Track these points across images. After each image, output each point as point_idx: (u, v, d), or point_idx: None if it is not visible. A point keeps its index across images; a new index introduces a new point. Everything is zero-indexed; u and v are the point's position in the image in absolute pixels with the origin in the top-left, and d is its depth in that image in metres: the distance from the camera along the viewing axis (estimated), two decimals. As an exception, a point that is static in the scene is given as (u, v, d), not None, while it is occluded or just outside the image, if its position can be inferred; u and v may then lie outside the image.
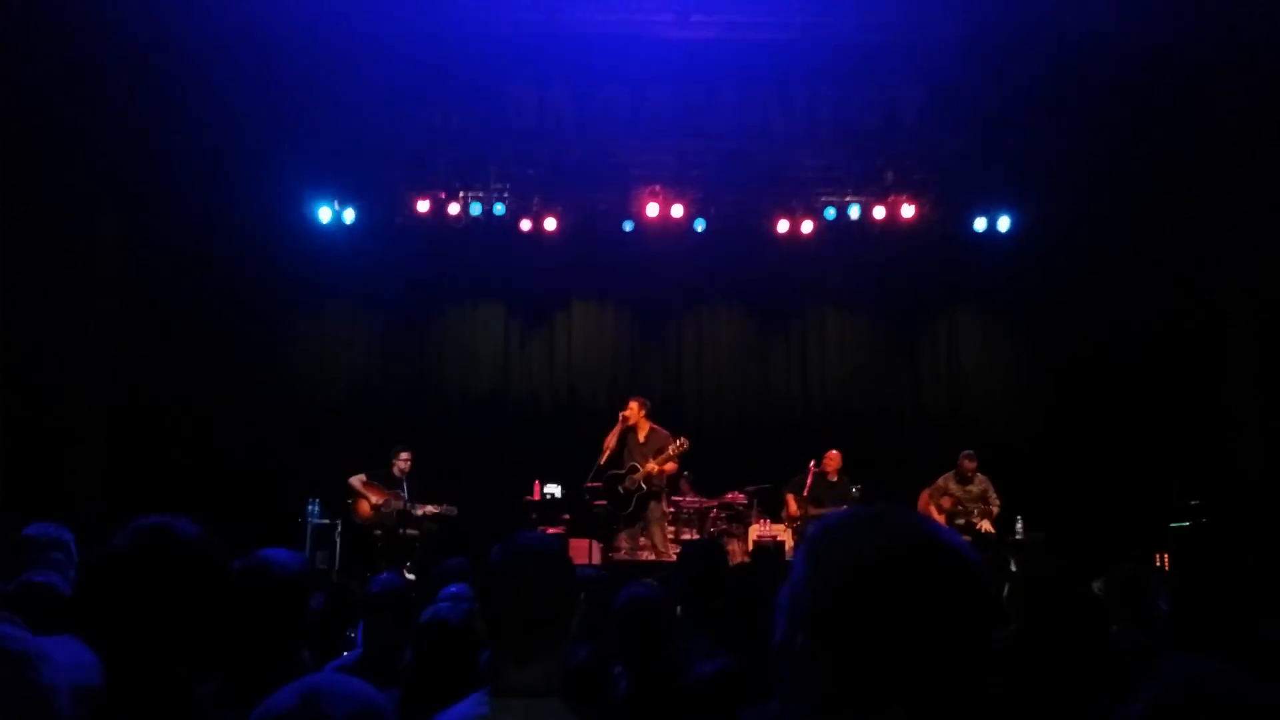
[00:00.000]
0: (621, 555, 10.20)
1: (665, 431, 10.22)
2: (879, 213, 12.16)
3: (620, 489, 10.18)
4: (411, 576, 9.16)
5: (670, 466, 10.15)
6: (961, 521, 10.67)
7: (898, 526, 1.18)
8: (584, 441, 10.94)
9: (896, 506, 1.21)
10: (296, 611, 2.55)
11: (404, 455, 10.70)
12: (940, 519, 10.11)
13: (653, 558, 10.07)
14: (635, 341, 13.13)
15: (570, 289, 12.98)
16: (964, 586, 1.14)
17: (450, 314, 12.96)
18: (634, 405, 10.18)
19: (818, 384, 13.08)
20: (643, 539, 10.36)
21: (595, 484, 10.32)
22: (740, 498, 11.47)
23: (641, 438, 10.19)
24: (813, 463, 11.14)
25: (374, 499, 10.45)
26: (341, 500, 10.64)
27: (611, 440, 10.16)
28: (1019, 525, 10.77)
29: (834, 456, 11.13)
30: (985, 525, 10.57)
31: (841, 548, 1.17)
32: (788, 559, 9.92)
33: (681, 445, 10.27)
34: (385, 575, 4.18)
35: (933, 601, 1.12)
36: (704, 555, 4.17)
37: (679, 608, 3.92)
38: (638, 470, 10.14)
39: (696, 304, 13.09)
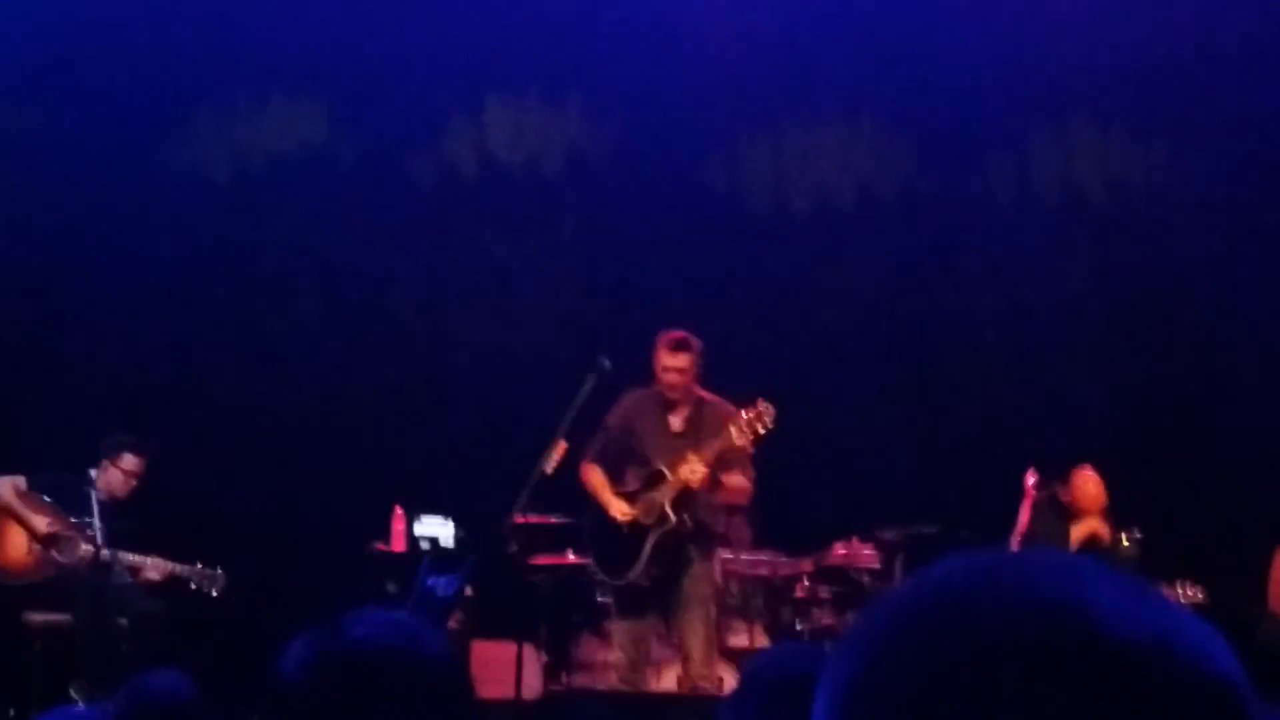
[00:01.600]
0: (591, 679, 10.41)
1: (729, 407, 9.78)
2: None
3: (621, 528, 9.79)
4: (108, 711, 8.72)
5: (738, 482, 9.79)
6: None
7: (1023, 607, 1.12)
8: (505, 424, 11.51)
9: (1040, 556, 1.19)
10: None
11: (127, 461, 10.52)
12: None
13: (675, 688, 10.08)
14: (622, 201, 13.02)
15: (488, 74, 12.93)
16: None
17: (209, 122, 12.79)
18: (664, 356, 9.77)
19: (1035, 314, 13.05)
20: (657, 641, 10.20)
21: (531, 518, 10.03)
22: (866, 555, 11.18)
23: (678, 422, 9.88)
24: (1031, 477, 10.95)
25: (37, 528, 10.28)
26: None
27: (618, 416, 10.02)
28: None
29: (1089, 480, 11.07)
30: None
31: (894, 660, 1.15)
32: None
33: (763, 416, 9.61)
34: (55, 715, 4.61)
35: None
36: (792, 682, 3.48)
37: None
38: (665, 479, 9.64)
39: (780, 119, 12.99)
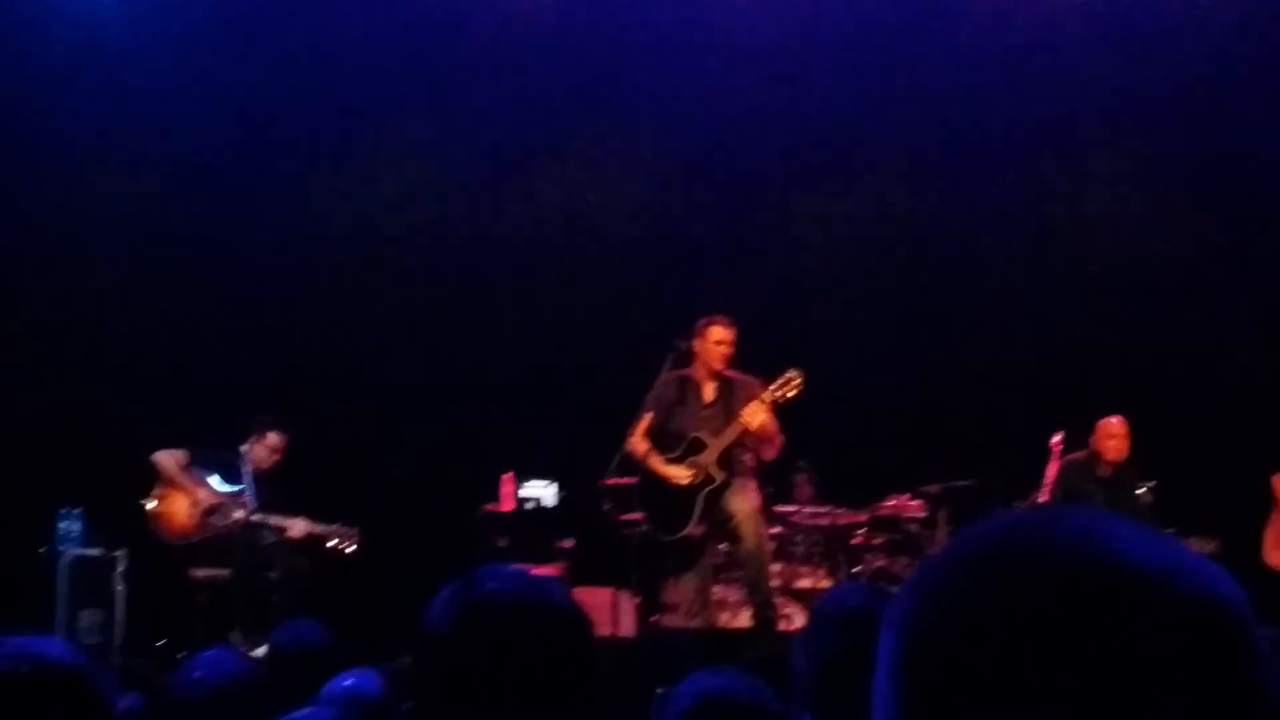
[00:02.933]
0: (678, 619, 10.01)
1: (752, 379, 9.78)
2: None
3: (671, 490, 9.71)
4: (260, 653, 8.55)
5: (770, 428, 9.63)
6: None
7: (1053, 548, 1.13)
8: (599, 402, 10.87)
9: (1066, 511, 1.18)
10: None
11: (272, 438, 10.46)
12: None
13: (742, 623, 10.02)
14: (700, 201, 12.81)
15: (577, 107, 12.74)
16: (1198, 664, 1.08)
17: (332, 147, 12.68)
18: (718, 332, 9.76)
19: (1076, 278, 12.73)
20: (719, 588, 10.18)
21: (624, 480, 10.04)
22: (914, 507, 11.17)
23: (709, 394, 9.82)
24: (1057, 436, 10.69)
25: (199, 496, 10.25)
26: (123, 518, 10.39)
27: (657, 399, 9.91)
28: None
29: (1116, 433, 10.70)
30: None
31: (948, 598, 1.15)
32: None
33: (791, 383, 9.63)
34: (219, 654, 4.38)
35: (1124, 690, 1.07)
36: (855, 616, 3.64)
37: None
38: (705, 446, 9.62)
39: (826, 129, 12.66)
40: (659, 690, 4.21)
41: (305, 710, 3.45)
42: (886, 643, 1.18)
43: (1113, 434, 10.70)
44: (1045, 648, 1.08)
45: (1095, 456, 10.68)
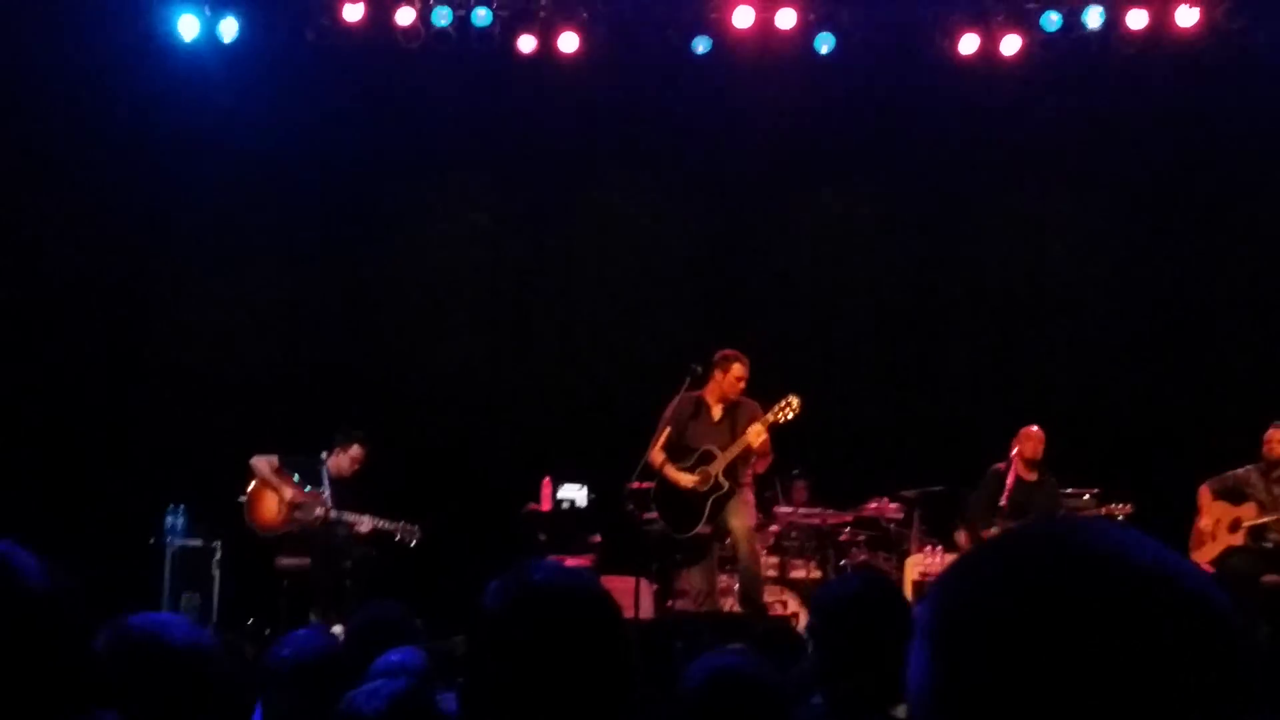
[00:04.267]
0: (689, 604, 9.78)
1: (754, 402, 9.70)
2: (1137, 20, 11.32)
3: (684, 495, 9.60)
4: (338, 630, 8.59)
5: (763, 450, 9.64)
6: (1270, 544, 9.99)
7: (1067, 554, 1.13)
8: (624, 418, 10.75)
9: (1070, 522, 1.19)
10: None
11: (355, 451, 10.48)
12: (1233, 539, 9.97)
13: (742, 610, 9.81)
14: (709, 244, 12.70)
15: (602, 157, 12.58)
16: (1196, 653, 1.08)
17: (403, 200, 12.60)
18: (739, 369, 9.68)
19: (1028, 311, 12.55)
20: (725, 576, 10.07)
21: (645, 484, 9.81)
22: (892, 509, 11.04)
23: (718, 414, 9.73)
24: (1016, 449, 10.53)
25: (286, 495, 10.32)
26: (220, 513, 10.46)
27: (673, 417, 9.71)
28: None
29: (1034, 436, 10.55)
30: None
31: (972, 607, 1.14)
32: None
33: (790, 406, 9.57)
34: (304, 633, 4.39)
35: (1137, 682, 1.07)
36: (861, 601, 3.75)
37: (819, 693, 3.68)
38: (714, 458, 9.52)
39: (817, 181, 12.58)
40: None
41: (379, 682, 3.44)
42: (923, 629, 1.17)
43: (1030, 437, 10.46)
44: (1071, 635, 1.07)
45: (1020, 460, 10.37)
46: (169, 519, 10.28)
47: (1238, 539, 9.91)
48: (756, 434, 9.45)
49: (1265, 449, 9.99)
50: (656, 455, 9.54)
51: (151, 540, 10.22)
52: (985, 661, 1.11)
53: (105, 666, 2.56)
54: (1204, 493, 10.11)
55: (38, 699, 2.05)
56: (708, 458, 9.53)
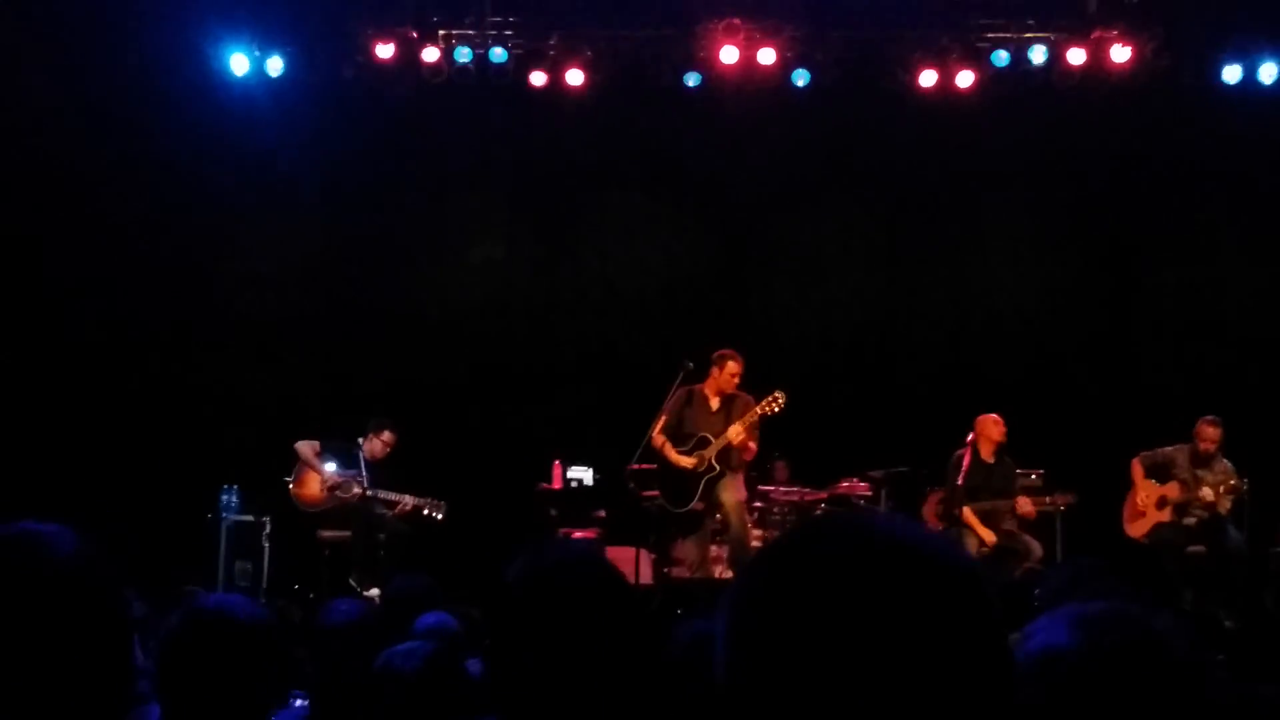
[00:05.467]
0: (684, 571, 9.78)
1: (748, 395, 9.63)
2: (1076, 57, 11.14)
3: (680, 474, 9.57)
4: (373, 593, 9.10)
5: (747, 441, 9.58)
6: (1194, 519, 9.91)
7: (829, 531, 1.17)
8: (625, 404, 10.62)
9: (852, 513, 1.44)
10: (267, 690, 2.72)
11: (386, 435, 10.38)
12: (1161, 515, 9.90)
13: (731, 575, 9.75)
14: (702, 257, 12.57)
15: (606, 178, 12.41)
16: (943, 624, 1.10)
17: (428, 218, 12.45)
18: (733, 366, 9.58)
19: (976, 322, 12.40)
20: (715, 547, 9.91)
21: (644, 465, 9.74)
22: (862, 488, 10.96)
23: (714, 405, 9.64)
24: (971, 435, 10.22)
25: (327, 476, 10.29)
26: (269, 492, 10.43)
27: (671, 406, 9.61)
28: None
29: (991, 422, 10.21)
30: (1226, 505, 9.84)
31: (758, 595, 1.16)
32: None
33: (777, 400, 9.48)
34: (345, 604, 4.36)
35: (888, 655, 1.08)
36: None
37: None
38: (709, 443, 9.45)
39: (796, 200, 12.32)
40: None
41: (410, 643, 3.51)
42: (723, 624, 1.17)
43: (987, 422, 10.28)
44: (845, 601, 1.10)
45: (980, 443, 10.20)
46: (224, 497, 10.29)
47: (1165, 515, 9.85)
48: (735, 433, 9.40)
49: (1197, 443, 9.91)
50: (657, 438, 9.47)
51: (209, 516, 10.19)
52: (758, 622, 1.12)
53: (172, 645, 2.59)
54: (1136, 466, 10.02)
55: (77, 688, 1.83)
56: (704, 443, 9.44)
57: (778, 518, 10.68)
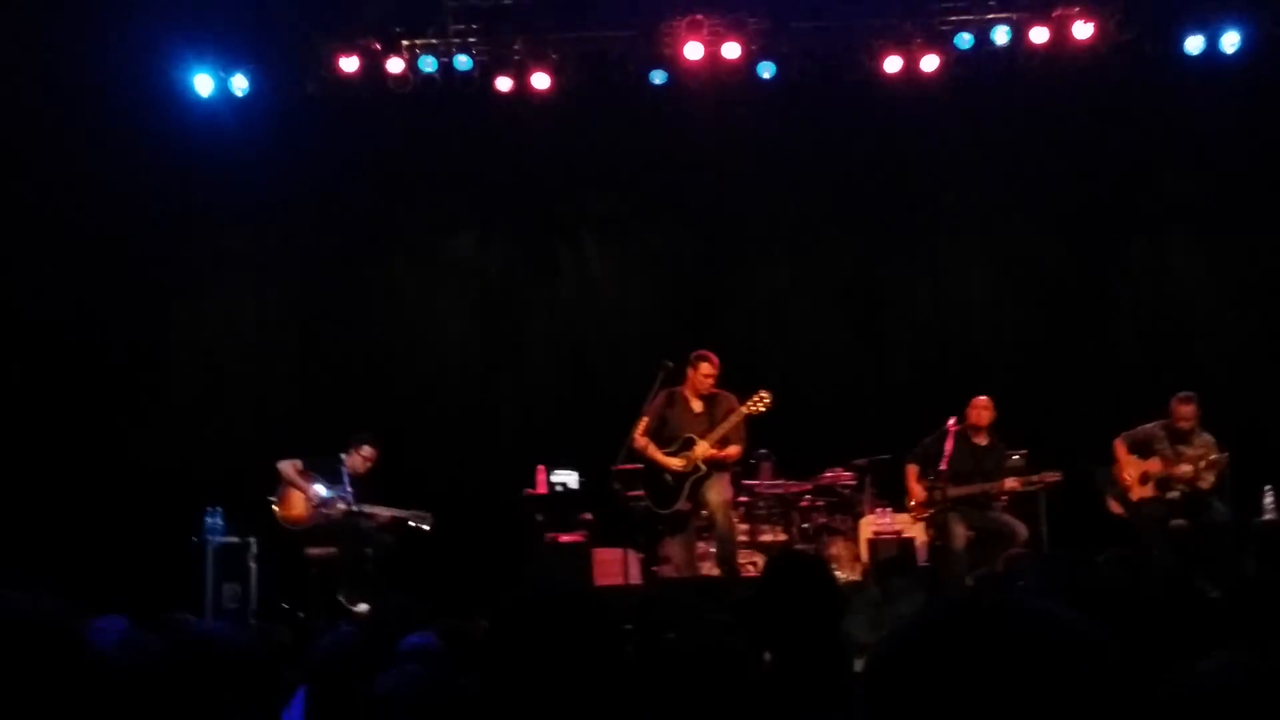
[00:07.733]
0: (671, 570, 9.69)
1: (731, 395, 9.60)
2: (1039, 36, 11.16)
3: (666, 476, 9.54)
4: (362, 609, 9.24)
5: (733, 449, 9.58)
6: (1176, 494, 9.93)
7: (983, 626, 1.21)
8: (606, 409, 10.63)
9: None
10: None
11: (366, 450, 10.38)
12: (1145, 490, 9.93)
13: (718, 574, 9.70)
14: (678, 254, 12.46)
15: (578, 180, 12.35)
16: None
17: (401, 228, 12.46)
18: (706, 367, 9.53)
19: (951, 307, 12.36)
20: (701, 545, 9.94)
21: (628, 466, 9.68)
22: (846, 477, 10.92)
23: (697, 406, 9.60)
24: (953, 420, 10.11)
25: (311, 494, 10.28)
26: (254, 512, 10.39)
27: (653, 408, 9.53)
28: (1269, 501, 10.03)
29: (983, 405, 10.18)
30: (1208, 480, 9.86)
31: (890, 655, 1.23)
32: (922, 566, 10.24)
33: (763, 399, 9.47)
34: (343, 631, 4.47)
35: None
36: (793, 570, 3.93)
37: (767, 654, 3.63)
38: (694, 444, 9.43)
39: (769, 193, 12.26)
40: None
41: (407, 666, 3.54)
42: (869, 680, 1.24)
43: (978, 406, 10.30)
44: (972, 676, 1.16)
45: (971, 427, 10.19)
46: (208, 519, 10.24)
47: (1148, 491, 9.86)
48: (703, 453, 9.38)
49: (1174, 420, 9.92)
50: (639, 440, 9.45)
51: (194, 539, 10.12)
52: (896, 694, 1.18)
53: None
54: (1119, 445, 10.02)
55: None
56: (689, 444, 9.43)
57: (763, 512, 10.67)
